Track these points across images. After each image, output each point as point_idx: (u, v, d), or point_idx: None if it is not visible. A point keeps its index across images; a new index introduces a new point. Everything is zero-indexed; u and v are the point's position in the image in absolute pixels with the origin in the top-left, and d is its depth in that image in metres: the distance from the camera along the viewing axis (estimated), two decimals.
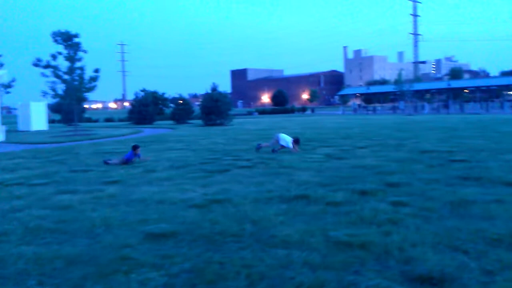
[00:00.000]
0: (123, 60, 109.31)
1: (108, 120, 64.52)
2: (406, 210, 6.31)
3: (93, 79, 28.57)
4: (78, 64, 27.41)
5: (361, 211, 6.27)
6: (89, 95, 30.67)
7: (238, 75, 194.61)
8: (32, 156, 15.14)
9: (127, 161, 11.88)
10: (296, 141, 13.74)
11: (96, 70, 28.47)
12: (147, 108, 40.95)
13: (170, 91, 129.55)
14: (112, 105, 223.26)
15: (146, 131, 29.47)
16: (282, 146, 13.51)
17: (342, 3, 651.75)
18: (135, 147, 12.22)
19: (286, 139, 13.58)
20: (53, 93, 27.87)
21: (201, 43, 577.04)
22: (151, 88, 54.03)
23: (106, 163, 11.99)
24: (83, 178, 10.03)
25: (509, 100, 69.62)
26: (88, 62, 29.52)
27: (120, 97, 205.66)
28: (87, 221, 6.27)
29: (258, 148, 13.94)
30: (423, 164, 10.38)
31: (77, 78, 27.89)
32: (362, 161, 11.13)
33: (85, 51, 27.36)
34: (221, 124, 33.86)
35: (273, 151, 13.52)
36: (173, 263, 4.53)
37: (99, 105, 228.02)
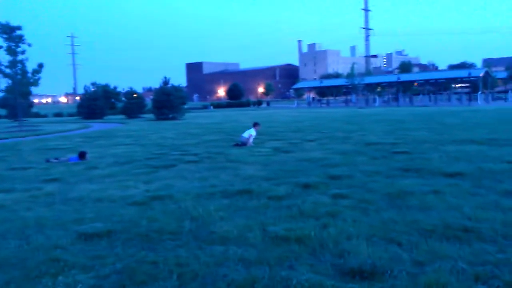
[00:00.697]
0: (73, 53, 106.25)
1: (57, 115, 62.51)
2: (345, 202, 6.38)
3: (36, 71, 27.45)
4: (20, 57, 26.23)
5: (302, 204, 6.29)
6: (37, 89, 29.64)
7: (194, 69, 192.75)
8: None
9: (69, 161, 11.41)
10: (256, 125, 14.35)
11: (40, 65, 27.36)
12: (97, 102, 39.86)
13: (124, 85, 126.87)
14: (63, 99, 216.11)
15: (95, 126, 28.70)
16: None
17: None
18: (82, 154, 11.73)
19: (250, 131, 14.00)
20: None
21: (156, 36, 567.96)
22: (103, 81, 52.64)
23: (47, 161, 11.51)
24: (22, 176, 9.61)
25: (456, 93, 72.31)
26: (38, 56, 28.42)
27: (71, 91, 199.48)
28: (19, 221, 5.99)
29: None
30: (367, 156, 10.57)
31: (19, 71, 26.70)
32: (309, 154, 11.22)
33: (29, 44, 26.21)
34: (173, 119, 33.42)
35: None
36: (104, 264, 4.38)
37: (49, 100, 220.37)
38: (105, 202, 6.90)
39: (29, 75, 27.92)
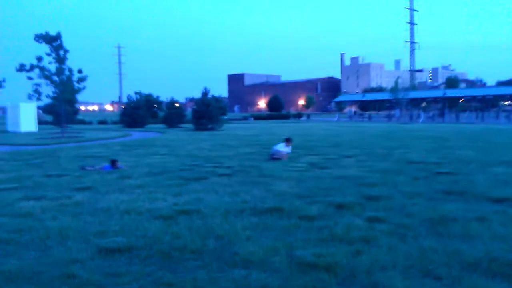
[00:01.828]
0: (120, 63, 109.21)
1: (101, 122, 64.04)
2: (381, 226, 5.95)
3: (81, 79, 28.19)
4: (65, 65, 27.02)
5: (334, 226, 5.92)
6: (84, 97, 30.53)
7: (235, 80, 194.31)
8: (12, 158, 14.78)
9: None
10: (287, 140, 13.90)
11: (80, 71, 28.11)
12: (139, 111, 40.52)
13: (168, 95, 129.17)
14: (109, 107, 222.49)
15: (135, 135, 29.06)
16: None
17: (341, 10, 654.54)
18: (113, 162, 11.75)
19: (280, 146, 13.73)
20: (37, 95, 27.41)
21: (200, 47, 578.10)
22: (148, 91, 53.67)
23: (83, 169, 11.57)
24: (55, 183, 9.64)
25: (504, 110, 69.53)
26: (87, 65, 29.24)
27: (116, 99, 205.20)
28: (42, 231, 5.89)
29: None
30: (407, 176, 10.03)
31: (65, 79, 27.49)
32: (346, 171, 10.78)
33: (67, 50, 26.95)
34: (212, 129, 33.47)
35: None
36: (119, 283, 4.17)
37: (96, 107, 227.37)
38: (132, 215, 6.74)
39: (75, 82, 28.66)
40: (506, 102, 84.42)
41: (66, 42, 27.19)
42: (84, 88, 28.59)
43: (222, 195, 8.15)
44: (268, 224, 6.11)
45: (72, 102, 32.02)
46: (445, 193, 8.14)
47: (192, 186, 9.01)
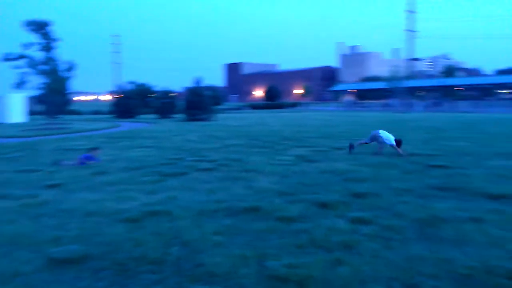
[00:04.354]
0: (116, 52, 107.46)
1: (95, 112, 63.17)
2: (366, 229, 5.40)
3: (71, 68, 27.50)
4: (53, 54, 26.31)
5: (314, 230, 5.36)
6: (81, 87, 29.87)
7: (233, 69, 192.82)
8: None
9: (81, 163, 10.83)
10: (398, 143, 12.13)
11: (71, 61, 27.43)
12: (130, 101, 39.80)
13: (166, 84, 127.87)
14: (106, 97, 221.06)
15: (125, 126, 28.44)
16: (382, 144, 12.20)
17: None
18: (92, 149, 11.23)
19: (388, 136, 12.20)
20: (24, 84, 26.70)
21: (199, 36, 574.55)
22: (146, 81, 52.72)
23: (58, 164, 10.97)
24: (25, 180, 9.04)
25: (502, 99, 69.00)
26: (84, 54, 28.57)
27: (113, 89, 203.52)
28: None
29: (352, 147, 12.53)
30: (399, 170, 9.47)
31: (54, 68, 26.80)
32: (334, 165, 10.21)
33: (57, 40, 26.22)
34: (204, 120, 32.82)
35: (351, 147, 12.41)
36: None
37: (93, 97, 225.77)
38: (95, 217, 6.16)
39: (63, 72, 28.00)
40: (504, 91, 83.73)
41: (63, 31, 26.56)
42: (72, 77, 27.89)
43: (199, 192, 7.60)
44: (241, 228, 5.56)
45: (62, 92, 31.20)
46: (438, 189, 7.59)
47: (168, 183, 8.44)
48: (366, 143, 12.60)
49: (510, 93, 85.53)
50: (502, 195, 6.99)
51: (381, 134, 12.16)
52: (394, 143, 11.96)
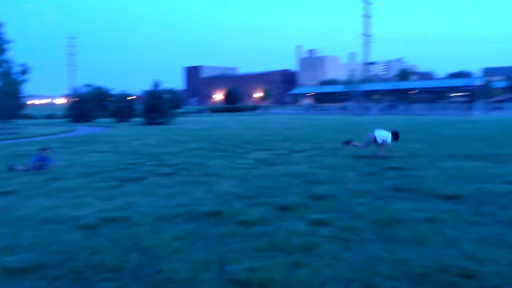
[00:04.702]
0: (72, 54, 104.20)
1: (49, 117, 61.38)
2: (325, 231, 5.47)
3: (24, 71, 26.58)
4: (5, 56, 25.38)
5: (274, 233, 5.39)
6: (35, 90, 28.86)
7: (193, 72, 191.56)
8: None
9: (36, 166, 10.48)
10: (395, 136, 12.17)
11: (24, 63, 26.53)
12: (86, 105, 38.85)
13: (124, 88, 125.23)
14: (61, 100, 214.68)
15: (81, 130, 27.75)
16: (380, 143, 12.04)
17: (297, 3, 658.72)
18: (43, 150, 10.91)
19: (383, 134, 12.08)
20: None
21: (158, 39, 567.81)
22: (103, 84, 51.72)
23: (10, 169, 10.59)
24: None
25: (454, 102, 71.58)
26: (37, 56, 27.64)
27: (68, 92, 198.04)
28: None
29: (347, 143, 12.63)
30: (357, 172, 9.66)
31: (5, 71, 25.84)
32: (294, 168, 10.30)
33: (9, 42, 25.31)
34: (163, 123, 32.42)
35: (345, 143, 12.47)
36: None
37: (48, 101, 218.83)
38: (51, 224, 5.98)
39: (16, 75, 27.05)
40: (457, 94, 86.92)
41: (16, 33, 25.66)
42: (26, 80, 26.97)
43: (158, 197, 7.50)
44: (202, 232, 5.52)
45: (16, 95, 30.13)
46: (394, 190, 7.79)
47: (127, 188, 8.28)
48: (361, 147, 12.57)
49: (461, 95, 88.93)
50: (455, 196, 7.23)
51: (377, 135, 12.08)
52: (390, 140, 12.01)
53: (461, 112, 56.24)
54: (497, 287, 3.90)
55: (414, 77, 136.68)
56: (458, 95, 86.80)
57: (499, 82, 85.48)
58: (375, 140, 12.07)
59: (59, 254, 4.81)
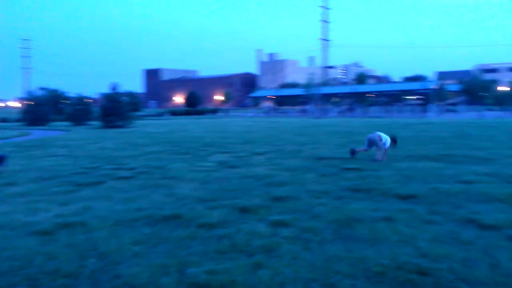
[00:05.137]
0: (26, 56, 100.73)
1: (3, 120, 59.08)
2: (285, 232, 5.52)
3: None
4: None
5: (235, 235, 5.40)
6: None
7: (152, 75, 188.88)
8: None
9: None
10: (394, 141, 11.93)
11: None
12: (41, 108, 37.67)
13: (81, 90, 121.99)
14: (15, 104, 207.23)
15: (35, 134, 26.86)
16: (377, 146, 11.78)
17: (257, 7, 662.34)
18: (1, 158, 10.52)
19: (385, 137, 11.80)
20: None
21: (116, 41, 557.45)
22: (59, 86, 50.29)
23: None
24: None
25: (409, 105, 73.64)
26: None
27: (23, 95, 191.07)
28: None
29: (353, 152, 12.18)
30: (316, 173, 9.80)
31: None
32: (255, 170, 10.34)
33: None
34: (121, 126, 31.82)
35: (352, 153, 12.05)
36: None
37: (1, 104, 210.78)
38: (4, 231, 5.77)
39: None
40: (413, 97, 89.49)
41: None
42: None
43: (116, 202, 7.36)
44: (161, 236, 5.46)
45: None
46: (352, 191, 7.94)
47: (83, 193, 8.09)
48: (366, 150, 12.30)
49: (416, 99, 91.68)
50: (411, 195, 7.44)
51: (377, 136, 11.93)
52: (388, 145, 11.88)
53: (416, 114, 58.05)
54: (451, 283, 4.03)
55: (371, 81, 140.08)
56: (413, 98, 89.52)
57: (452, 86, 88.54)
58: (379, 140, 11.85)
59: (14, 261, 4.66)
